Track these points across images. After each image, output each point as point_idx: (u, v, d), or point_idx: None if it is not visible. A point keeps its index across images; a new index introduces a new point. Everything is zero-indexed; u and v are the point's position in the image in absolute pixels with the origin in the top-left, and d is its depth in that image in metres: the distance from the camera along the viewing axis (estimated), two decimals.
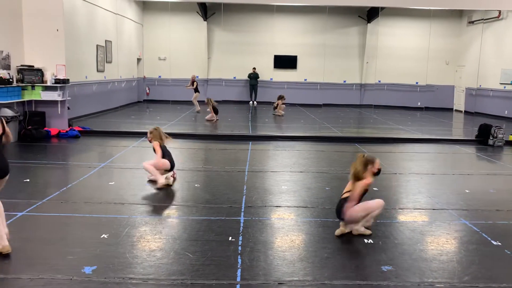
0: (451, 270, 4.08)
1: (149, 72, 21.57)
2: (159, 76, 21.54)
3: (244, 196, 6.24)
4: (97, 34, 14.99)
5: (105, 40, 15.79)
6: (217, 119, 14.48)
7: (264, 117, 16.43)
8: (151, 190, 6.54)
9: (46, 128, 11.04)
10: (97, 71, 15.15)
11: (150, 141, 6.92)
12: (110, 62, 16.39)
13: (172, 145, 10.57)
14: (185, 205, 5.88)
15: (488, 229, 5.16)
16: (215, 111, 14.58)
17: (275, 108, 16.99)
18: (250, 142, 10.91)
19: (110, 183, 6.81)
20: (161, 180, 6.58)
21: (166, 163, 6.73)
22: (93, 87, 14.68)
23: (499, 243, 4.73)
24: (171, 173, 6.88)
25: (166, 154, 6.84)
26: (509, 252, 4.50)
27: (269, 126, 14.30)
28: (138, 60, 20.68)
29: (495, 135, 11.35)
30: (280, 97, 16.94)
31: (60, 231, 4.77)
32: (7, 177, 4.27)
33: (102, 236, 4.63)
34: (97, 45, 14.96)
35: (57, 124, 11.41)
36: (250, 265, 4.07)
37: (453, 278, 3.91)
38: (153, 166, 6.67)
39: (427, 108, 21.51)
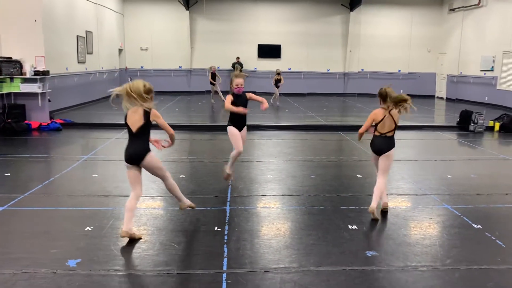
0: (434, 253, 4.16)
1: (131, 63, 21.28)
2: (141, 67, 21.29)
3: (230, 186, 6.24)
4: (77, 25, 14.71)
5: (86, 31, 15.51)
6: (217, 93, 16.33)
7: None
8: None
9: (26, 121, 10.84)
10: (78, 62, 14.90)
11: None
12: (91, 53, 16.12)
13: (157, 137, 10.54)
14: (170, 196, 5.82)
15: (469, 213, 5.26)
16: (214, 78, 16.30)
17: (278, 81, 16.67)
18: None
19: (93, 175, 6.74)
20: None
21: None
22: (74, 79, 14.44)
23: (480, 226, 4.83)
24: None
25: None
26: (489, 235, 4.60)
27: (253, 116, 14.22)
28: (120, 51, 20.38)
29: (475, 121, 11.54)
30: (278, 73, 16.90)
31: (43, 225, 4.71)
32: None
33: (86, 229, 4.59)
34: (77, 36, 14.69)
35: (38, 116, 11.21)
36: (237, 254, 4.08)
37: (436, 262, 3.99)
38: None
39: (409, 96, 21.63)
